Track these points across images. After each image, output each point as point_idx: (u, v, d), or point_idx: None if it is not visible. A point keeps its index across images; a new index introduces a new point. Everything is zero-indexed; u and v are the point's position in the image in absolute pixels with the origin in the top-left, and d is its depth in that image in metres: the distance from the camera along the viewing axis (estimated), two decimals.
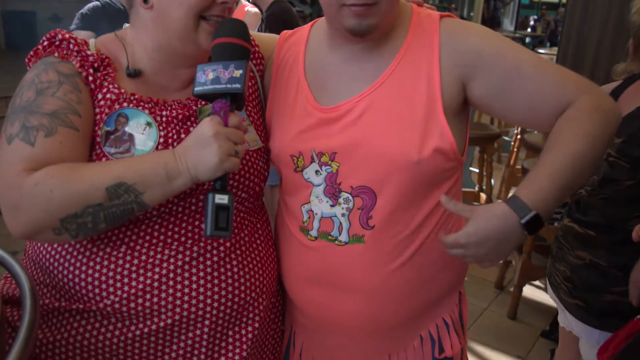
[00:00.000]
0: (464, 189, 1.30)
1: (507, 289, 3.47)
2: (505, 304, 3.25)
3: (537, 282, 3.48)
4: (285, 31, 1.30)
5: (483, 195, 4.13)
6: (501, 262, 3.47)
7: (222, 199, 0.98)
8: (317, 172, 1.14)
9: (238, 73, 1.00)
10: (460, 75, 1.08)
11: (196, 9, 1.06)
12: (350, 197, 1.11)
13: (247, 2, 3.84)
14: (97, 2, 3.17)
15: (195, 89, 1.02)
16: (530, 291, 3.40)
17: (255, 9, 3.74)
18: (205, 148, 0.97)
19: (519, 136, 4.55)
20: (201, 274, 1.09)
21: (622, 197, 1.55)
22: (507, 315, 3.18)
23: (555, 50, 6.97)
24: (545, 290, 3.41)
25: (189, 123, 1.12)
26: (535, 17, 16.89)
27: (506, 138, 5.99)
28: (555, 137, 1.04)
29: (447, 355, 1.26)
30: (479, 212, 1.01)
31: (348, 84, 1.14)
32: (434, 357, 1.25)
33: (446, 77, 1.08)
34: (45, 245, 1.12)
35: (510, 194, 4.16)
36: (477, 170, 4.27)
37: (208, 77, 1.01)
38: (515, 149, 4.57)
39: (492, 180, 4.16)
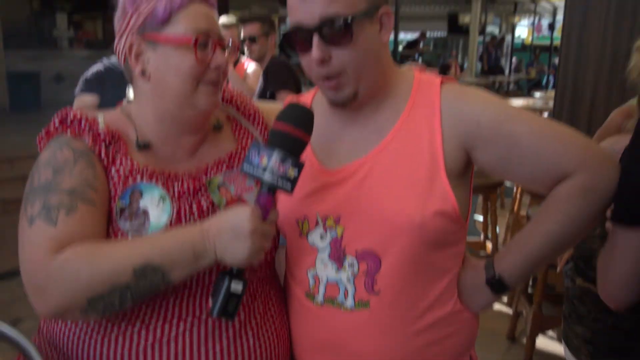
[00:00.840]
0: (469, 239, 1.29)
1: (519, 340, 3.39)
2: (519, 357, 3.16)
3: (550, 332, 3.39)
4: (291, 97, 1.32)
5: (489, 244, 4.09)
6: (511, 312, 3.41)
7: (237, 286, 0.99)
8: (321, 236, 1.12)
9: (293, 173, 0.98)
10: (461, 142, 1.08)
11: (191, 75, 1.09)
12: (355, 261, 1.09)
13: (244, 59, 3.91)
14: (100, 67, 3.25)
15: (245, 166, 1.00)
16: (543, 342, 3.31)
17: (254, 64, 3.81)
18: (239, 241, 0.97)
19: None
20: (217, 348, 1.08)
21: None
22: None
23: (552, 93, 7.05)
24: (558, 340, 3.32)
25: (199, 195, 1.13)
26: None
27: (508, 184, 5.98)
28: (539, 214, 1.11)
29: None
30: (466, 264, 1.19)
31: (351, 147, 1.14)
32: None
33: (448, 142, 1.08)
34: (60, 324, 1.11)
35: None
36: (481, 219, 4.25)
37: (262, 161, 0.99)
38: (518, 195, 4.55)
39: (497, 228, 4.12)
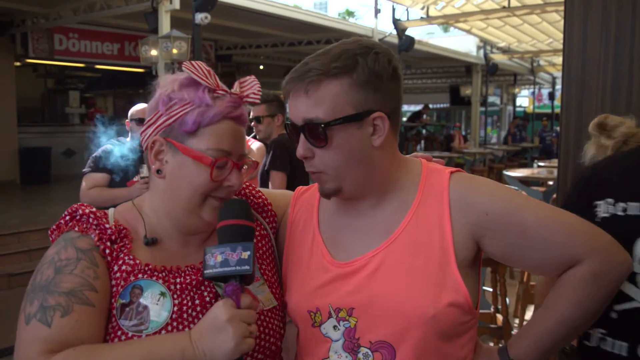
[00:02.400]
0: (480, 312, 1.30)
1: None
2: None
3: None
4: (300, 187, 1.35)
5: (499, 316, 4.02)
6: None
7: None
8: (335, 327, 1.13)
9: (246, 255, 1.04)
10: (470, 232, 1.11)
11: (203, 190, 1.12)
12: (370, 353, 1.10)
13: (249, 138, 4.01)
14: (109, 145, 3.31)
15: (205, 272, 1.06)
16: None
17: (259, 143, 3.90)
18: (220, 333, 0.99)
19: None
20: None
21: None
22: None
23: (555, 162, 7.12)
24: None
25: (202, 288, 1.14)
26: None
27: None
28: (550, 299, 1.13)
29: None
30: (478, 350, 1.19)
31: (362, 239, 1.16)
32: None
33: (458, 232, 1.11)
34: None
35: (526, 312, 3.99)
36: (490, 290, 4.20)
37: (217, 259, 1.05)
38: None
39: (507, 299, 4.07)
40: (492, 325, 4.19)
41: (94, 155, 3.37)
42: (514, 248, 1.11)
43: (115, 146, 3.30)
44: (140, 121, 3.28)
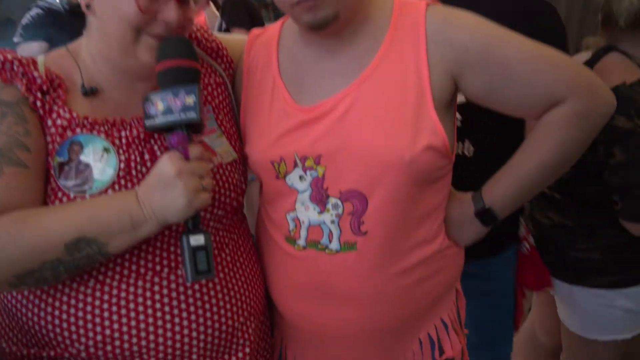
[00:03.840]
0: None
1: None
2: None
3: None
4: (255, 30, 1.21)
5: None
6: None
7: (197, 239, 0.91)
8: (301, 177, 1.05)
9: (191, 100, 0.91)
10: (449, 70, 1.02)
11: (133, 23, 0.95)
12: (339, 203, 1.03)
13: None
14: (38, 10, 2.93)
15: (146, 123, 0.94)
16: None
17: (210, 8, 3.64)
18: (169, 190, 0.88)
19: None
20: (182, 305, 1.00)
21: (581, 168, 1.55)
22: None
23: None
24: None
25: (152, 141, 1.02)
26: None
27: None
28: (529, 142, 1.07)
29: (448, 357, 1.20)
30: (451, 197, 1.15)
31: (329, 80, 1.05)
32: None
33: (435, 70, 1.01)
34: None
35: None
36: None
37: (158, 108, 0.92)
38: None
39: None
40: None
41: (22, 22, 2.99)
42: (495, 87, 1.02)
43: (44, 9, 2.92)
44: None
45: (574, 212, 1.64)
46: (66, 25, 2.84)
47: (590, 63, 1.64)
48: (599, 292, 1.62)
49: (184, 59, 0.96)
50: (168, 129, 0.93)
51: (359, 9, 1.03)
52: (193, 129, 0.95)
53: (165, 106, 0.92)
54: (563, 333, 1.78)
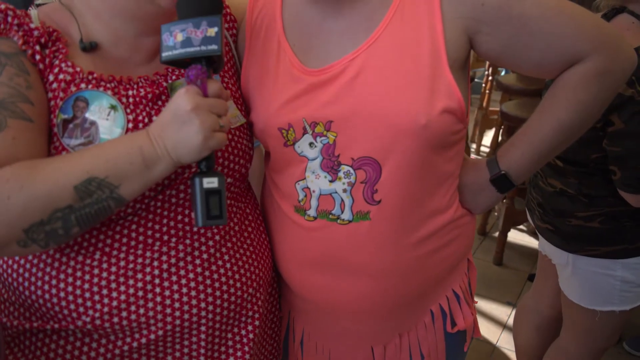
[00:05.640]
0: None
1: (490, 234, 3.45)
2: (490, 251, 3.22)
3: (520, 227, 3.45)
4: None
5: None
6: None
7: (211, 182, 0.85)
8: (311, 144, 0.99)
9: (213, 31, 0.84)
10: (464, 27, 0.96)
11: None
12: (352, 170, 0.98)
13: None
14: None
15: (163, 54, 0.86)
16: (514, 235, 3.38)
17: None
18: (185, 125, 0.82)
19: (489, 77, 4.46)
20: (190, 275, 0.96)
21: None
22: (493, 262, 3.16)
23: None
24: (529, 234, 3.39)
25: (160, 103, 0.96)
26: None
27: (476, 80, 5.90)
28: (546, 103, 1.03)
29: (460, 329, 1.17)
30: (464, 164, 1.10)
31: (338, 41, 0.99)
32: (447, 333, 1.16)
33: (449, 28, 0.95)
34: (5, 258, 0.96)
35: (484, 138, 4.11)
36: None
37: (177, 39, 0.85)
38: (487, 91, 4.49)
39: None
40: None
41: None
42: (513, 45, 0.97)
43: None
44: None
45: (574, 180, 1.62)
46: None
47: None
48: (598, 261, 1.60)
49: None
50: (186, 63, 0.87)
51: None
52: (213, 65, 0.88)
53: (185, 37, 0.85)
54: (563, 302, 1.77)
